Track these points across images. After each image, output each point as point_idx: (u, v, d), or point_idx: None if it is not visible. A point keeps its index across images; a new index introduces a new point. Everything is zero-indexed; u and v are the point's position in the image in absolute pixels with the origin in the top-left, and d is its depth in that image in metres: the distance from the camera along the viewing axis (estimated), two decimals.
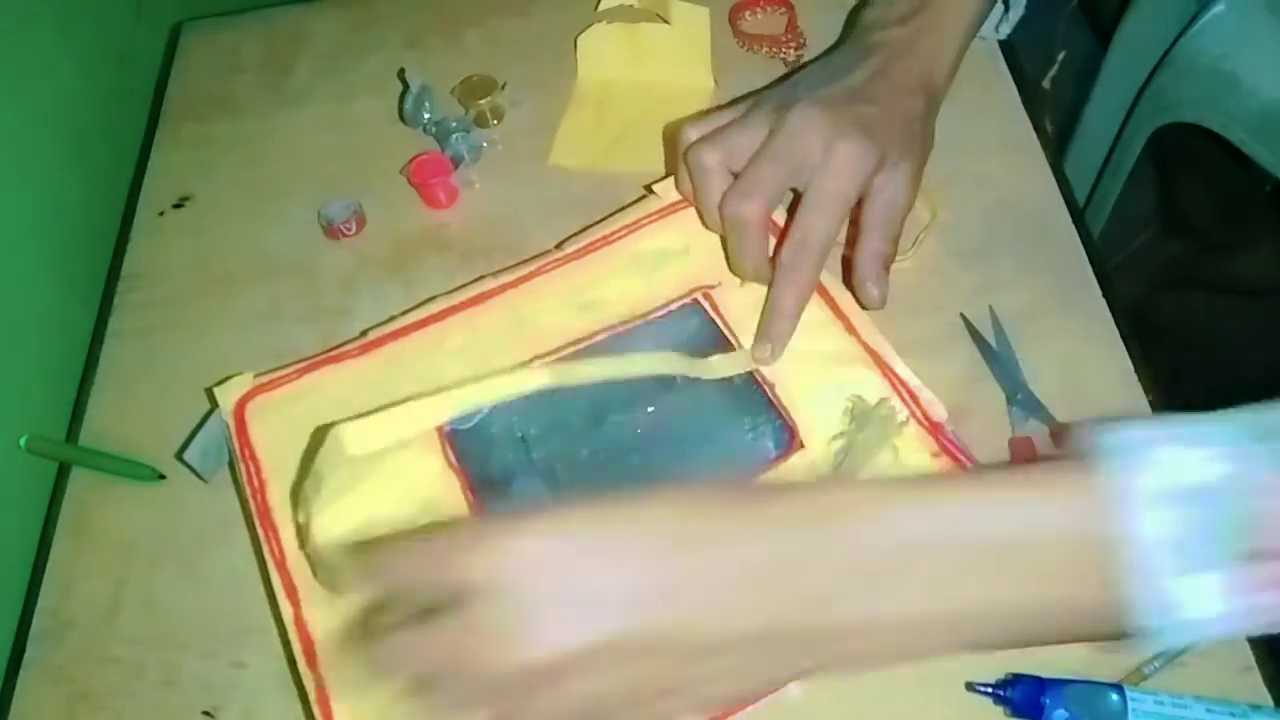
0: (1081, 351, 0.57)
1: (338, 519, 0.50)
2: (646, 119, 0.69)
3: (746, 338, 0.55)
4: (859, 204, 0.54)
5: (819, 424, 0.52)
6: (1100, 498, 0.33)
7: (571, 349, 0.55)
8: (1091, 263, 0.60)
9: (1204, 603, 0.32)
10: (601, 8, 0.71)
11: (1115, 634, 0.33)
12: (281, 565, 0.50)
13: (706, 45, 0.70)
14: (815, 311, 0.55)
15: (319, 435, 0.50)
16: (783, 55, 0.72)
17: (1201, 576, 0.32)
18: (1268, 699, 0.46)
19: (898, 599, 0.34)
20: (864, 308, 0.55)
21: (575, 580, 0.34)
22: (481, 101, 0.71)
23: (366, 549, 0.38)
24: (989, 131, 0.66)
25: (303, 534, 0.50)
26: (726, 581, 0.34)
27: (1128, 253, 0.90)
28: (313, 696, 0.46)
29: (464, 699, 0.35)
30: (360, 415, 0.48)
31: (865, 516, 0.35)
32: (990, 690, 0.46)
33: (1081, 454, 0.34)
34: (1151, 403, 0.55)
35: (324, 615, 0.48)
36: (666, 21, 0.69)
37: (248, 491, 0.52)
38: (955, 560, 0.34)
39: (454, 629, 0.35)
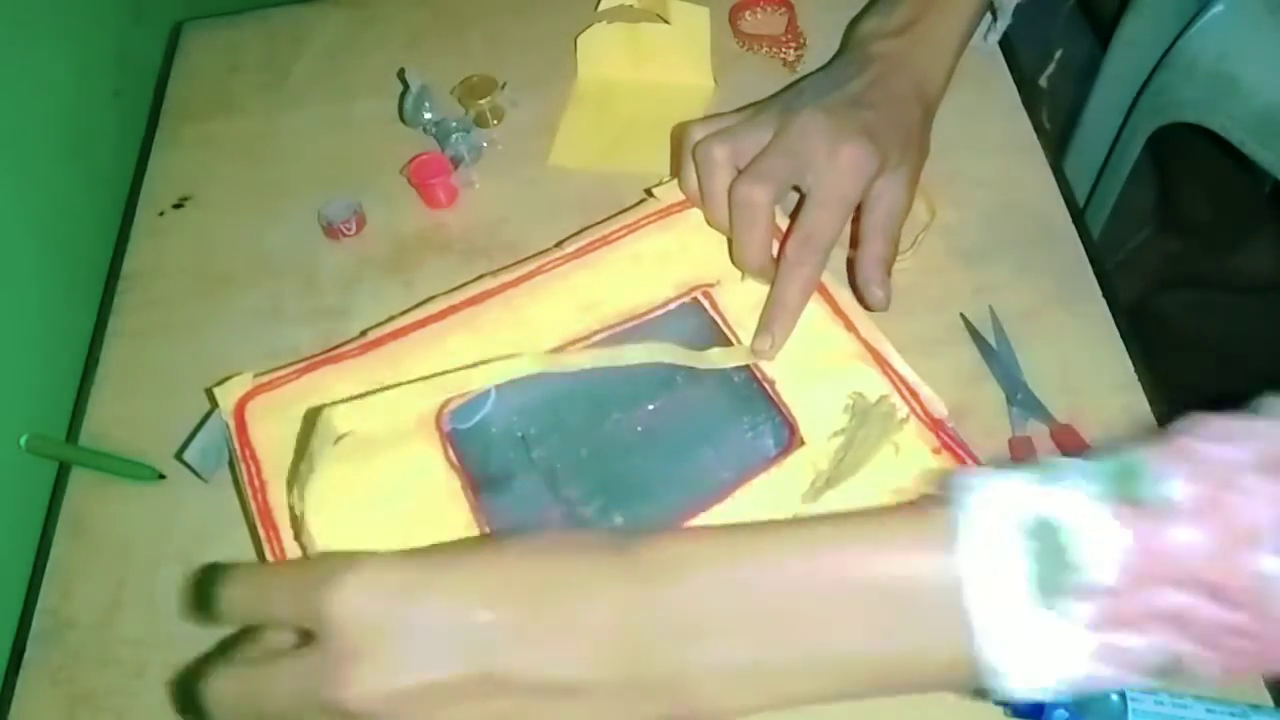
0: (1081, 351, 0.57)
1: (336, 519, 0.50)
2: (646, 119, 0.69)
3: (746, 336, 0.55)
4: (859, 209, 0.55)
5: (819, 421, 0.52)
6: (940, 536, 0.33)
7: (571, 348, 0.55)
8: (1091, 262, 0.60)
9: (1054, 637, 0.31)
10: (601, 8, 0.71)
11: (970, 679, 0.33)
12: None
13: (706, 45, 0.70)
14: (815, 310, 0.55)
15: (311, 417, 0.51)
16: (783, 55, 0.72)
17: (1048, 609, 0.31)
18: (1268, 699, 0.46)
19: (743, 649, 0.35)
20: (869, 309, 0.56)
21: (430, 618, 0.35)
22: (481, 101, 0.71)
23: (236, 577, 0.39)
24: (989, 131, 0.66)
25: (297, 524, 0.50)
26: (576, 629, 0.35)
27: (1127, 251, 0.90)
28: None
29: None
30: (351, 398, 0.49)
31: (706, 569, 0.35)
32: None
33: (934, 498, 0.34)
34: (1151, 402, 0.55)
35: None
36: (666, 21, 0.69)
37: (248, 492, 0.52)
38: (800, 610, 0.34)
39: (307, 662, 0.35)
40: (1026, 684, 0.32)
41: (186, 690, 0.39)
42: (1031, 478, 0.33)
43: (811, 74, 0.63)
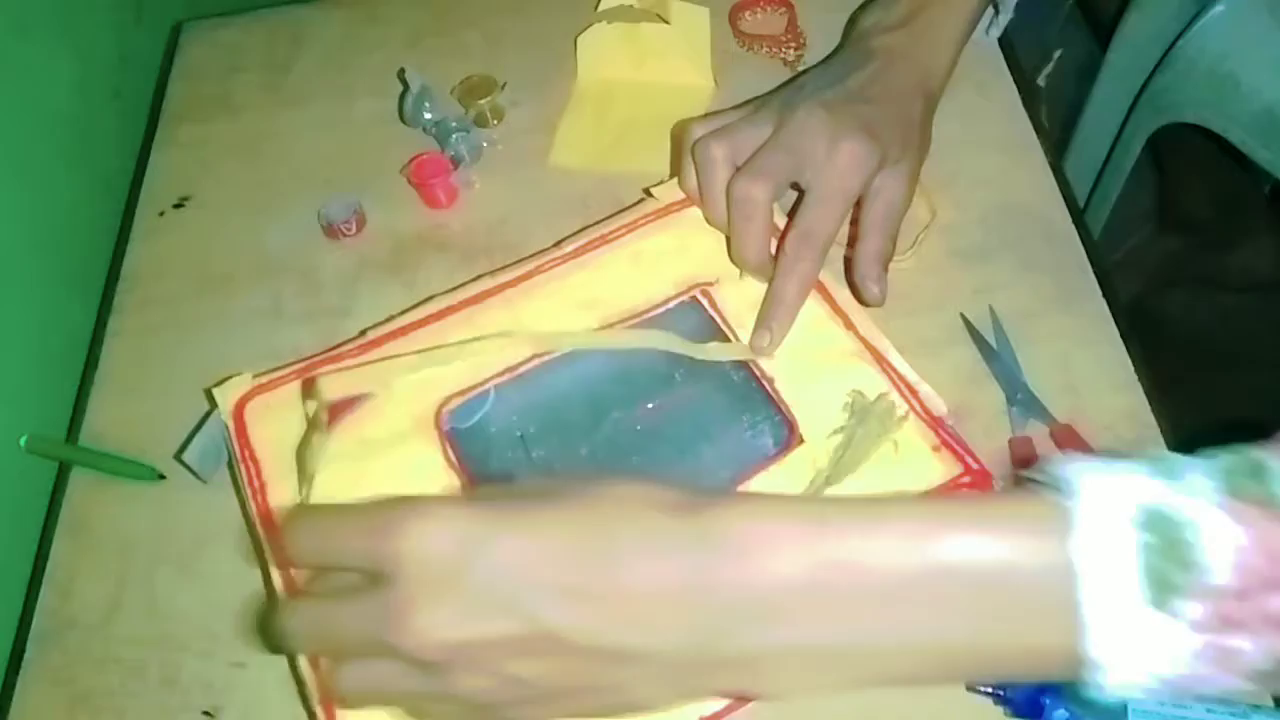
0: (1081, 351, 0.57)
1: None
2: (647, 119, 0.69)
3: (745, 334, 0.55)
4: (858, 204, 0.55)
5: (818, 419, 0.52)
6: (1053, 524, 0.32)
7: (570, 348, 0.55)
8: (1091, 263, 0.60)
9: (1161, 636, 0.30)
10: (601, 8, 0.71)
11: (1070, 672, 0.32)
12: (285, 567, 0.50)
13: (707, 45, 0.70)
14: (814, 308, 0.55)
15: (309, 389, 0.52)
16: (783, 55, 0.72)
17: (1159, 609, 0.30)
18: (1268, 699, 0.46)
19: (825, 632, 0.34)
20: (865, 305, 0.55)
21: (494, 571, 0.34)
22: (481, 101, 0.71)
23: (305, 520, 0.39)
24: (989, 131, 0.66)
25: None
26: (640, 595, 0.34)
27: (1127, 251, 0.90)
28: (315, 698, 0.46)
29: (381, 676, 0.36)
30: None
31: (787, 549, 0.34)
32: (990, 690, 0.46)
33: (1036, 484, 0.33)
34: (1151, 402, 0.55)
35: None
36: (666, 21, 0.69)
37: (248, 493, 0.52)
38: (892, 595, 0.33)
39: (373, 603, 0.35)
40: (1126, 681, 0.31)
41: (266, 618, 0.40)
42: (1147, 469, 0.32)
43: (811, 69, 0.63)
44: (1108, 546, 0.31)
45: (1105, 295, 0.59)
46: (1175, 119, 0.77)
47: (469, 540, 0.34)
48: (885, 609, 0.33)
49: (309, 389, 0.53)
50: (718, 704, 0.45)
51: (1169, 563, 0.30)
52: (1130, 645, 0.31)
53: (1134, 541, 0.31)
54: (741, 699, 0.45)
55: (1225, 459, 0.32)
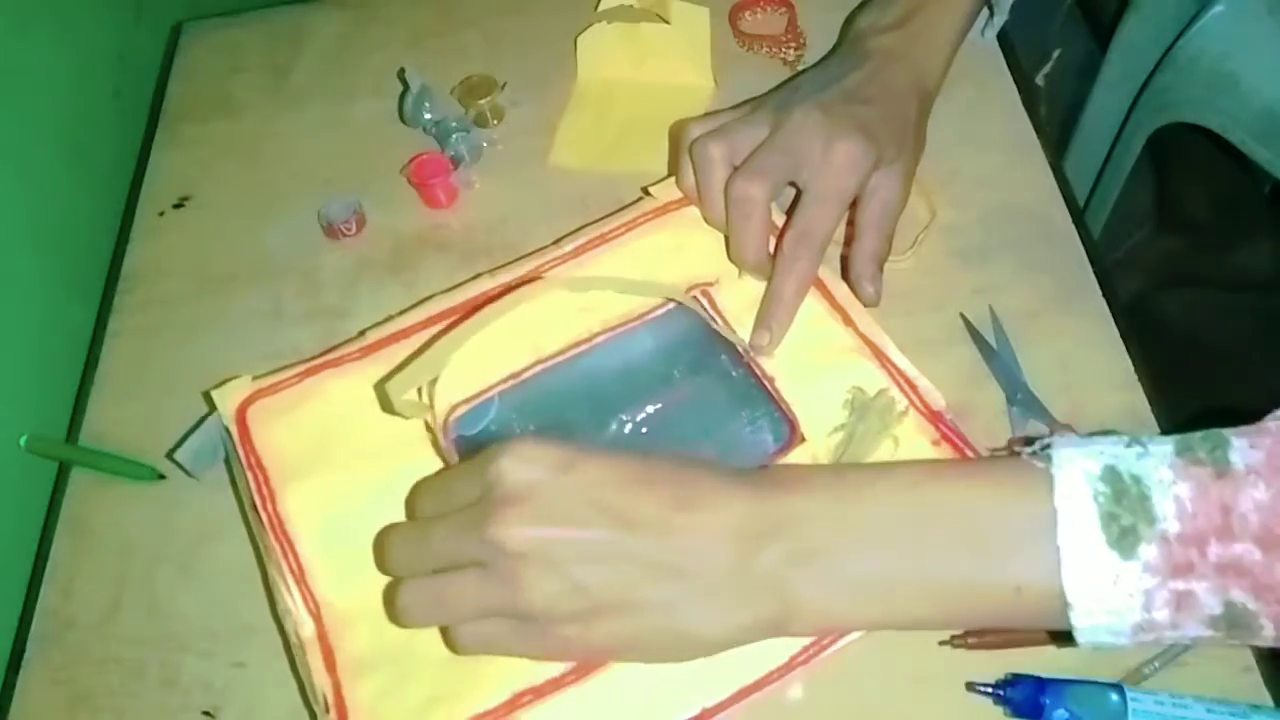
0: (1081, 351, 0.57)
1: (339, 524, 0.50)
2: (646, 119, 0.69)
3: (745, 333, 0.55)
4: (854, 204, 0.55)
5: (819, 416, 0.52)
6: (1037, 481, 0.38)
7: (572, 348, 0.55)
8: (1091, 262, 0.60)
9: (1122, 576, 0.36)
10: (601, 8, 0.71)
11: (1056, 613, 0.37)
12: (301, 580, 0.49)
13: (707, 45, 0.70)
14: (813, 305, 0.55)
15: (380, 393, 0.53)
16: (782, 55, 0.72)
17: (1118, 551, 0.36)
18: (1268, 699, 0.46)
19: (850, 566, 0.40)
20: (862, 304, 0.56)
21: (578, 488, 0.41)
22: (482, 101, 0.71)
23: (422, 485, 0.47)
24: (989, 131, 0.66)
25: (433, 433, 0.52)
26: (699, 526, 0.41)
27: (1127, 251, 0.90)
28: (331, 700, 0.46)
29: (488, 629, 0.43)
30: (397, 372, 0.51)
31: (820, 492, 0.42)
32: (990, 690, 0.46)
33: (1028, 453, 0.39)
34: (1151, 402, 0.55)
35: (350, 629, 0.48)
36: (666, 21, 0.69)
37: (256, 500, 0.52)
38: (905, 535, 0.40)
39: (471, 510, 0.42)
40: (1096, 623, 0.37)
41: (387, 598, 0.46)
42: (1119, 440, 0.38)
43: (808, 69, 0.63)
44: (1074, 496, 0.37)
45: (1105, 295, 0.59)
46: (1175, 119, 0.77)
47: (554, 463, 0.41)
48: (891, 541, 0.40)
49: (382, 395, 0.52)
50: (721, 693, 0.45)
51: (1123, 510, 0.36)
52: (1095, 583, 0.36)
53: (1094, 491, 0.36)
54: (742, 694, 0.45)
55: (1194, 435, 0.37)
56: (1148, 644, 0.38)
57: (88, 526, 0.58)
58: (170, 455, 0.56)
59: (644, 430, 0.53)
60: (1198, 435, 0.37)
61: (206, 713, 0.51)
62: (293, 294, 0.65)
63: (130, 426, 0.61)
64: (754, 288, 0.56)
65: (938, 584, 0.40)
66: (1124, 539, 0.35)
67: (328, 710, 0.46)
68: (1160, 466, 0.36)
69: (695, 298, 0.57)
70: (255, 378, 0.55)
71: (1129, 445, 0.37)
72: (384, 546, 0.45)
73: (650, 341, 0.56)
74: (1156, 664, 0.46)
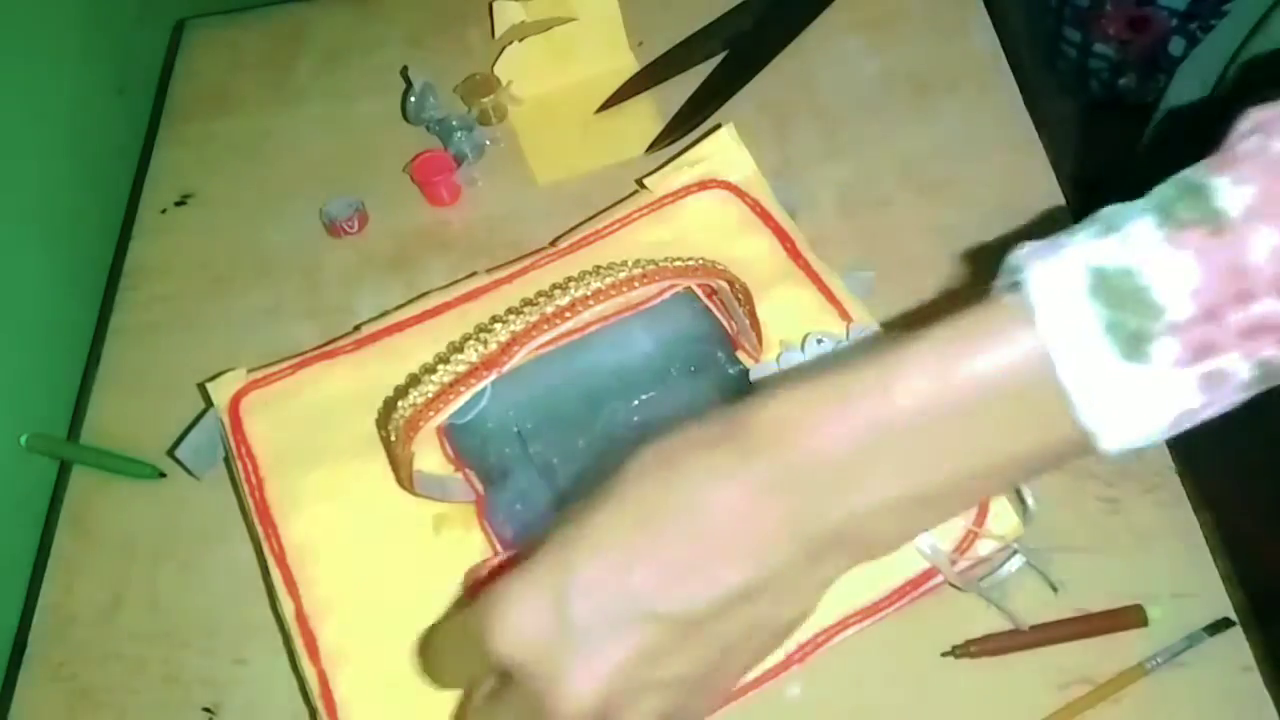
0: None
1: (331, 515, 0.51)
2: (591, 111, 0.71)
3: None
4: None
5: None
6: (1019, 321, 0.33)
7: (566, 340, 0.55)
8: None
9: (1150, 384, 0.31)
10: (500, 35, 0.73)
11: (1091, 447, 0.32)
12: (281, 560, 0.50)
13: (620, 27, 0.72)
14: (809, 298, 0.55)
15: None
16: None
17: (1134, 360, 0.31)
18: (1268, 699, 0.46)
19: (890, 484, 0.34)
20: None
21: (590, 608, 0.34)
22: (484, 99, 0.71)
23: (423, 655, 0.41)
24: (989, 131, 0.66)
25: (395, 458, 0.48)
26: (720, 541, 0.34)
27: None
28: (316, 691, 0.47)
29: None
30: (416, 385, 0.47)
31: (825, 423, 0.34)
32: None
33: (1001, 285, 0.34)
34: None
35: (327, 615, 0.49)
36: (574, 18, 0.70)
37: (245, 489, 0.52)
38: (925, 434, 0.34)
39: (519, 702, 0.35)
40: (1130, 438, 0.32)
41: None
42: (1091, 231, 0.33)
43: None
44: (1068, 320, 0.31)
45: None
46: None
47: (549, 600, 0.34)
48: (916, 449, 0.34)
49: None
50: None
51: (1127, 314, 0.31)
52: (1120, 404, 0.31)
53: (1089, 306, 0.31)
54: (740, 693, 0.45)
55: (1163, 190, 0.32)
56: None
57: (89, 524, 0.58)
58: (170, 453, 0.56)
59: (635, 419, 0.53)
60: (1170, 192, 0.32)
61: (207, 709, 0.51)
62: (294, 292, 0.65)
63: (132, 424, 0.61)
64: (755, 278, 0.55)
65: (986, 468, 0.35)
66: (1135, 344, 0.31)
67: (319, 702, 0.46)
68: (1149, 246, 0.31)
69: (691, 288, 0.56)
70: (250, 370, 0.55)
71: (1103, 235, 0.32)
72: None
73: (646, 332, 0.55)
74: (1158, 659, 0.46)
